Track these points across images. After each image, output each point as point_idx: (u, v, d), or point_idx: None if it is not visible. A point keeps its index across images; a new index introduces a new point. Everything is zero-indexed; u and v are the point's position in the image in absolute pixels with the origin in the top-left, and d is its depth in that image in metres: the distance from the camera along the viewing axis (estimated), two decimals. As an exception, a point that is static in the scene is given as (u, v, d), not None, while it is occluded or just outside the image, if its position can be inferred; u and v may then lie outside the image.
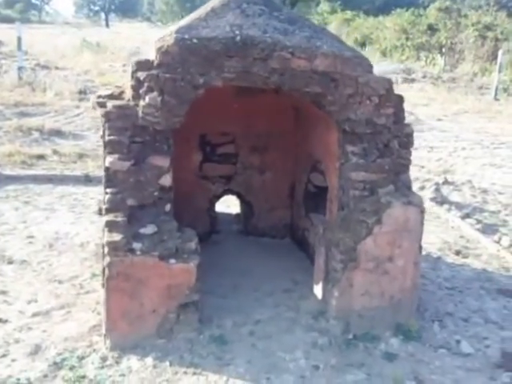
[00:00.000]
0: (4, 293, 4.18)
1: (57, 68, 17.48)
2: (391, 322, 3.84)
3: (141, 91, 3.54)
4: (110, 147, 3.55)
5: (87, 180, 7.17)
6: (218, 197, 5.24)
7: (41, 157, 8.28)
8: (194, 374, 3.29)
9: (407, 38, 32.04)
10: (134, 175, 3.53)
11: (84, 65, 18.09)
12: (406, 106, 14.04)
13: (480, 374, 3.49)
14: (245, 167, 5.13)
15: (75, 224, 5.69)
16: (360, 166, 3.81)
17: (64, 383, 3.18)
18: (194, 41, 3.51)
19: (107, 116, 3.56)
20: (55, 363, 3.34)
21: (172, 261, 3.49)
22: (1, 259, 4.75)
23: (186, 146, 4.81)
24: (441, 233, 6.12)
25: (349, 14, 39.20)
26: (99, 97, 4.00)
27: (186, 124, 3.76)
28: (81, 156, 8.35)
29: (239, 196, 5.32)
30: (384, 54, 32.20)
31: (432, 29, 31.62)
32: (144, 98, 3.51)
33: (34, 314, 3.89)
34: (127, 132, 3.54)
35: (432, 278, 4.86)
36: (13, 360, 3.37)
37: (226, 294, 4.15)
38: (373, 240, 3.73)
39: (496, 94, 18.60)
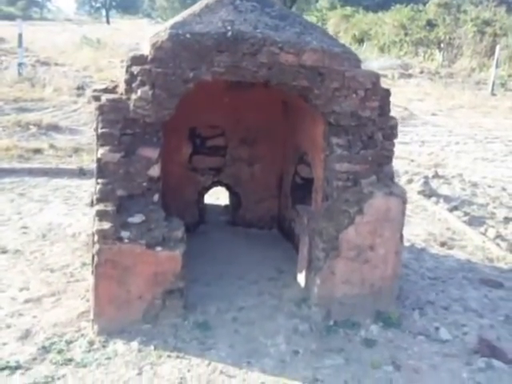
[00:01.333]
0: (-3, 281, 4.30)
1: (56, 64, 17.60)
2: (372, 310, 3.94)
3: (133, 85, 3.64)
4: (102, 139, 3.66)
5: (81, 173, 7.28)
6: (207, 188, 5.35)
7: (37, 151, 8.39)
8: (178, 357, 3.40)
9: (406, 34, 32.08)
10: (123, 166, 3.64)
11: (83, 61, 18.20)
12: (401, 101, 14.15)
13: (456, 360, 3.60)
14: (234, 159, 5.24)
15: (68, 215, 5.80)
16: (344, 157, 3.91)
17: (52, 366, 3.28)
18: (187, 36, 3.61)
19: (101, 109, 3.67)
20: (44, 347, 3.45)
21: (158, 249, 3.60)
22: (-5, 249, 4.87)
23: (176, 139, 4.92)
24: (427, 225, 6.23)
25: (348, 10, 39.19)
26: (95, 90, 4.13)
27: (177, 117, 3.86)
28: (76, 150, 8.46)
29: (228, 188, 5.44)
30: (382, 49, 32.25)
31: (431, 24, 31.67)
32: (136, 92, 3.61)
33: (26, 301, 4.00)
34: (119, 124, 3.64)
35: (415, 268, 4.98)
36: (3, 344, 3.47)
37: (211, 281, 4.26)
38: (354, 229, 3.83)
39: (493, 89, 18.69)
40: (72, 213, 5.90)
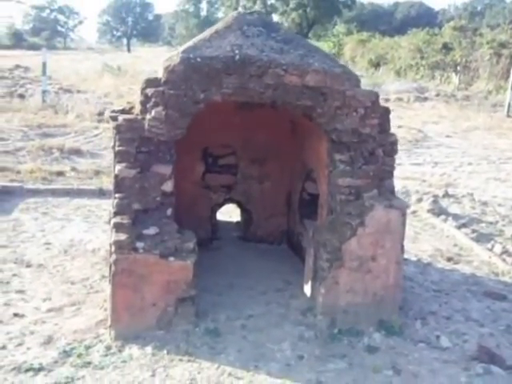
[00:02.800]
0: (22, 292, 4.57)
1: (78, 91, 18.21)
2: (375, 318, 4.11)
3: (148, 106, 3.94)
4: (119, 157, 3.95)
5: (101, 193, 7.59)
6: (220, 205, 5.61)
7: (60, 173, 8.77)
8: (189, 361, 3.61)
9: (422, 57, 32.39)
10: (139, 182, 3.91)
11: (104, 88, 18.83)
12: (416, 124, 14.41)
13: (455, 365, 3.74)
14: (245, 177, 5.50)
15: (88, 232, 6.10)
16: (346, 172, 4.13)
17: (72, 368, 3.52)
18: (198, 59, 3.90)
19: (118, 128, 3.97)
20: (65, 351, 3.69)
21: (171, 259, 3.84)
22: (20, 263, 5.16)
23: (190, 158, 5.19)
24: (434, 241, 6.38)
25: (364, 35, 39.74)
26: (112, 111, 4.45)
27: (191, 137, 4.12)
28: (97, 173, 8.80)
29: (239, 204, 5.69)
30: (399, 73, 32.55)
31: (447, 48, 31.92)
32: (150, 112, 3.91)
33: (48, 310, 4.26)
34: (134, 143, 3.93)
35: (420, 281, 5.13)
36: (28, 348, 3.72)
37: (222, 292, 4.49)
38: (357, 241, 4.04)
39: (508, 111, 18.77)
40: (92, 230, 6.19)
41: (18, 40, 57.90)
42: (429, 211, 7.41)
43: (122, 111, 4.23)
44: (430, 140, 13.86)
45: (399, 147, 13.14)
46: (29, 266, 5.12)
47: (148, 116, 3.89)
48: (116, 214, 3.89)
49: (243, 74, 3.92)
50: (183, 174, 4.92)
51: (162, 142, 3.94)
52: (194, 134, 4.69)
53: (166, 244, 3.86)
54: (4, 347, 3.71)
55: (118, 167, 3.90)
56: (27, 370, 3.46)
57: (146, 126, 3.88)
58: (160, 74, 4.05)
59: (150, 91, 3.89)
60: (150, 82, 3.94)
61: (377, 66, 34.96)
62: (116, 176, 3.94)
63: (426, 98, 22.31)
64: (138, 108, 4.06)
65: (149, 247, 3.81)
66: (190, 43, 4.17)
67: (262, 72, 3.95)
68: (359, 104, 4.05)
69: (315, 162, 4.67)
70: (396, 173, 10.29)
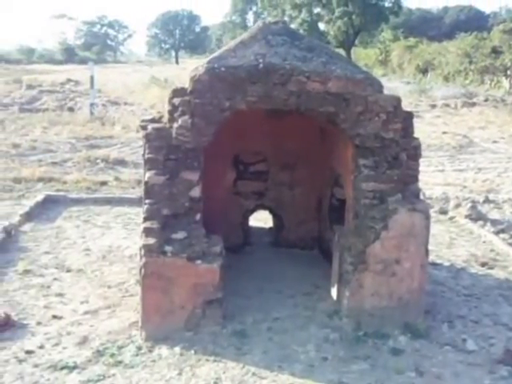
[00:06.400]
0: (62, 295, 4.81)
1: (126, 103, 18.81)
2: (400, 321, 4.12)
3: (175, 115, 4.11)
4: (149, 164, 4.13)
5: (141, 202, 7.82)
6: (251, 211, 5.73)
7: (103, 183, 9.13)
8: (215, 361, 3.74)
9: (470, 62, 31.75)
10: (168, 188, 4.08)
11: (151, 100, 19.34)
12: (462, 130, 14.18)
13: (480, 368, 3.72)
14: (275, 184, 5.60)
15: (127, 239, 6.33)
16: (370, 177, 4.17)
17: (104, 366, 3.70)
18: (222, 69, 4.05)
19: (147, 137, 4.17)
20: (98, 351, 3.87)
21: (198, 262, 3.99)
22: (61, 268, 5.42)
23: (222, 165, 5.34)
24: (470, 247, 6.29)
25: (411, 41, 39.26)
26: (142, 121, 4.65)
27: (222, 145, 4.24)
28: (139, 182, 9.03)
29: (271, 211, 5.78)
30: (447, 79, 31.98)
31: (496, 51, 31.17)
32: (177, 121, 4.07)
33: (85, 312, 4.47)
34: (163, 150, 4.10)
35: (451, 285, 5.08)
36: (64, 348, 3.93)
37: (251, 295, 4.60)
38: (380, 244, 4.07)
39: (560, 115, 18.17)
40: (130, 236, 6.41)
41: (70, 55, 60.30)
42: (466, 217, 7.30)
43: (152, 120, 4.42)
44: (475, 146, 13.58)
45: (442, 153, 13.10)
46: (69, 270, 5.37)
47: (175, 125, 4.05)
48: (146, 219, 4.07)
49: (267, 82, 4.04)
50: (215, 180, 5.07)
51: (190, 149, 4.09)
52: (226, 142, 4.85)
53: (194, 248, 4.00)
54: (42, 346, 3.93)
55: (148, 174, 4.08)
56: (62, 368, 3.67)
57: (174, 134, 4.04)
58: (187, 83, 4.21)
59: (177, 101, 4.06)
60: (177, 92, 4.11)
61: (424, 71, 34.49)
62: (146, 183, 4.12)
63: (473, 104, 21.82)
64: (166, 117, 4.24)
65: (177, 251, 3.97)
66: (215, 54, 4.33)
67: (286, 80, 4.05)
68: (381, 109, 4.09)
69: (342, 167, 4.73)
70: (437, 179, 10.17)
